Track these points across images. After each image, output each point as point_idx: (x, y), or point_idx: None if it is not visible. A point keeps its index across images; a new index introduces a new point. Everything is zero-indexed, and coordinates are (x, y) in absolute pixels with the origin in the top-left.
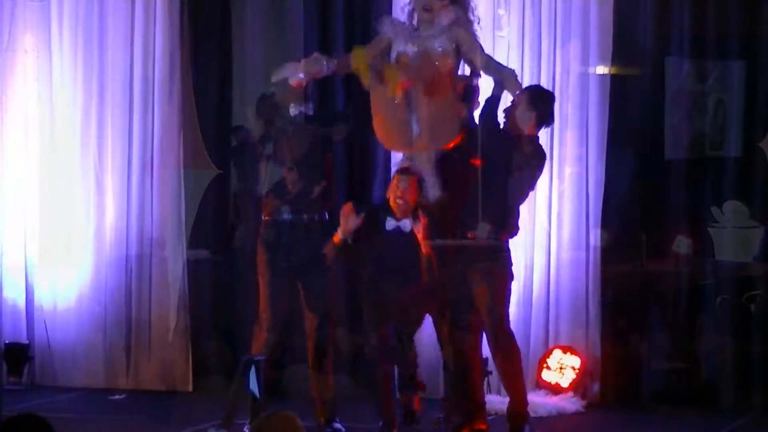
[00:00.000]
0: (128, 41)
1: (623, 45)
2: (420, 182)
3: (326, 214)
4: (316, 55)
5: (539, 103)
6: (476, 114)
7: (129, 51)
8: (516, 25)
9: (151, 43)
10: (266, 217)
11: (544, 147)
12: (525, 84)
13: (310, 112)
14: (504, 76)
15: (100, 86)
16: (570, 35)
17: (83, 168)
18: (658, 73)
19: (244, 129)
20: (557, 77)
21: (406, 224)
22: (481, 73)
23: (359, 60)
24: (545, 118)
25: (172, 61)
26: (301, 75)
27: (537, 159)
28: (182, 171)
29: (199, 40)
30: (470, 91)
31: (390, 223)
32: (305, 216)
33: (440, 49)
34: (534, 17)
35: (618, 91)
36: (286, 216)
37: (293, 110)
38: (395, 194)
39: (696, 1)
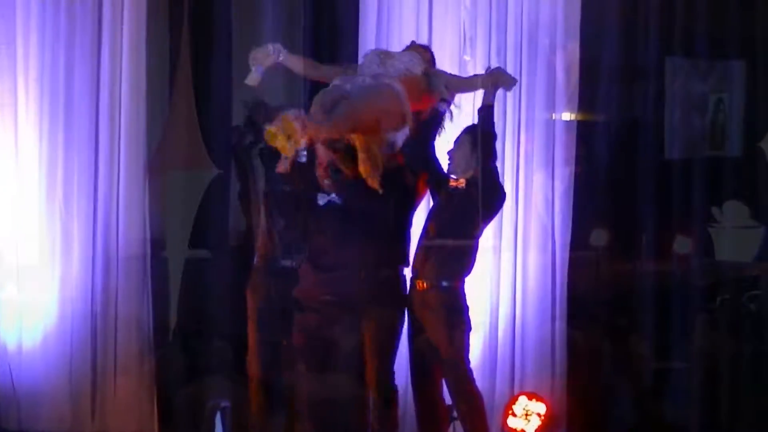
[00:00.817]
0: (95, 89)
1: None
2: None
3: None
4: (267, 45)
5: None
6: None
7: (95, 99)
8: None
9: (117, 94)
10: (258, 261)
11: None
12: None
13: (303, 159)
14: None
15: (66, 135)
16: (536, 81)
17: (49, 215)
18: (658, 72)
19: (243, 129)
20: (522, 122)
21: (335, 198)
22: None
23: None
24: (489, 155)
25: (138, 111)
26: (257, 68)
27: (494, 193)
28: (148, 223)
29: (199, 40)
30: (434, 115)
31: (322, 199)
32: (293, 263)
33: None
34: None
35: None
36: (277, 263)
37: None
38: (318, 171)
39: (696, 0)
